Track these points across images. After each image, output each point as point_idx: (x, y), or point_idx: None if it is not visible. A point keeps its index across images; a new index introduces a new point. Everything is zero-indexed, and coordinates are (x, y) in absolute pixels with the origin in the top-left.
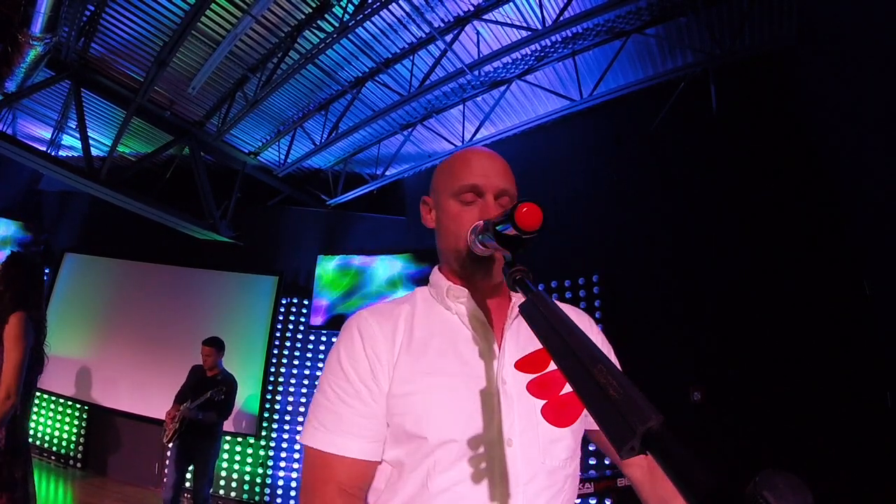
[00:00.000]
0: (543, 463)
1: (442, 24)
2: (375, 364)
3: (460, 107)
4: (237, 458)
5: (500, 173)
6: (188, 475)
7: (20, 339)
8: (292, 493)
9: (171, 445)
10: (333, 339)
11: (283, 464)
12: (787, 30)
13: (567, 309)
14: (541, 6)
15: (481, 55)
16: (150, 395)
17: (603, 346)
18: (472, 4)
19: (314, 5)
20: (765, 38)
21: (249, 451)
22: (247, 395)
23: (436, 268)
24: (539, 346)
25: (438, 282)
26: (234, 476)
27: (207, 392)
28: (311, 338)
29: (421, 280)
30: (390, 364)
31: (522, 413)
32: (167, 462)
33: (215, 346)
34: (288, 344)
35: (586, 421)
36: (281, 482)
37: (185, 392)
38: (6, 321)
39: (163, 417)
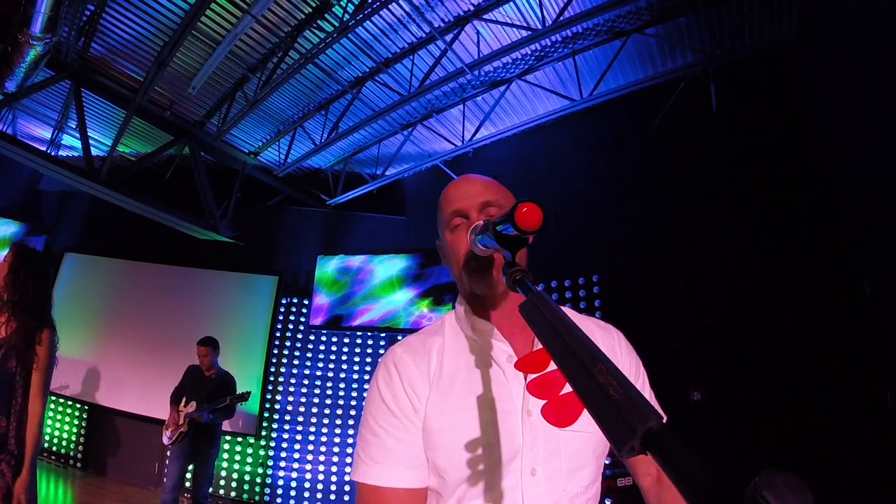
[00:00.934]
0: (565, 490)
1: (442, 24)
2: (414, 399)
3: (460, 107)
4: (237, 458)
5: (479, 191)
6: (187, 475)
7: (51, 359)
8: (292, 493)
9: (171, 447)
10: (333, 339)
11: (283, 464)
12: (787, 30)
13: (593, 324)
14: (541, 6)
15: (481, 55)
16: (150, 394)
17: (631, 361)
18: (472, 4)
19: (314, 5)
20: (765, 38)
21: (249, 451)
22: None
23: (460, 295)
24: None
25: (464, 313)
26: (234, 476)
27: (227, 398)
28: (311, 338)
29: (420, 280)
30: (425, 398)
31: (547, 442)
32: (167, 463)
33: (210, 345)
34: (288, 344)
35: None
36: (281, 482)
37: (184, 393)
38: (38, 339)
39: (162, 417)
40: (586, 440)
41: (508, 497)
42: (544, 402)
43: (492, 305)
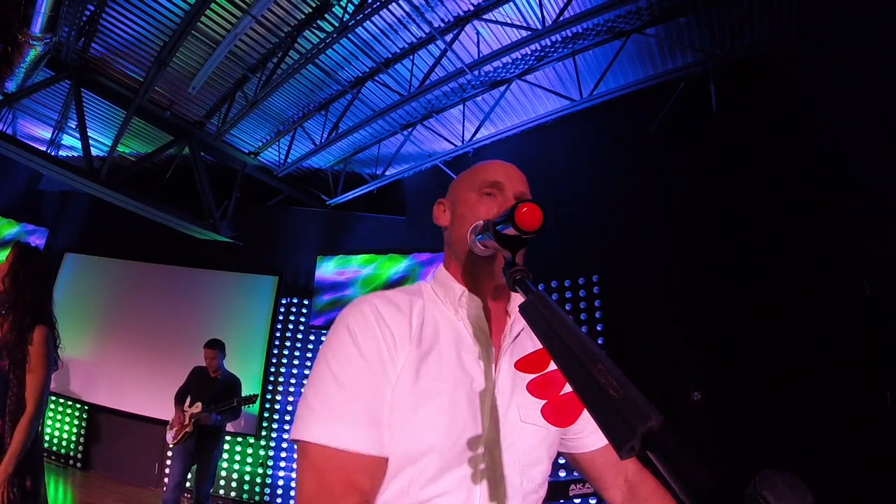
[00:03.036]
0: (521, 485)
1: (442, 24)
2: (394, 352)
3: (460, 107)
4: (237, 458)
5: (522, 179)
6: (189, 475)
7: (45, 358)
8: (292, 493)
9: (174, 447)
10: None
11: (283, 464)
12: (787, 30)
13: None
14: (541, 6)
15: (481, 55)
16: (150, 394)
17: None
18: (472, 4)
19: (314, 5)
20: (765, 38)
21: (249, 451)
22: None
23: (441, 265)
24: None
25: (448, 283)
26: (234, 476)
27: (233, 399)
28: (311, 338)
29: (420, 280)
30: (402, 359)
31: (508, 433)
32: (169, 462)
33: (217, 347)
34: (288, 344)
35: (562, 445)
36: (281, 482)
37: (188, 393)
38: (29, 338)
39: (163, 416)
40: (543, 436)
41: (464, 483)
42: (512, 388)
43: (483, 288)
